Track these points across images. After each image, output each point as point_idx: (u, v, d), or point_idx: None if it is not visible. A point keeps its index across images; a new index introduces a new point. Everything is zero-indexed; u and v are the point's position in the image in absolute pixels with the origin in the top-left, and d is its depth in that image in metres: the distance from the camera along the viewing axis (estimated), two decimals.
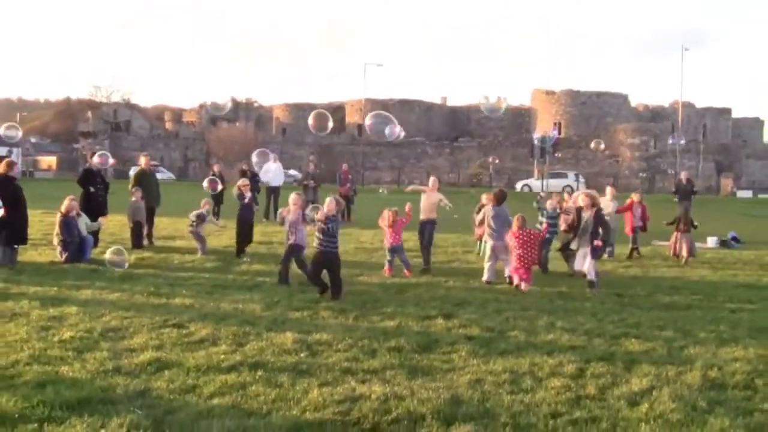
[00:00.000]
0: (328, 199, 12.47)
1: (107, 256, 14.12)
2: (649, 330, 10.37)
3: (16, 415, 6.40)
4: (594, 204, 14.23)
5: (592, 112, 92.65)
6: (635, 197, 19.68)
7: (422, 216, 15.71)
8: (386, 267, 14.97)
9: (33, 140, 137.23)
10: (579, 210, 14.46)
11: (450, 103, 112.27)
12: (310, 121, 17.21)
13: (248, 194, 16.94)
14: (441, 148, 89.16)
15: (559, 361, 8.51)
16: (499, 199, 14.75)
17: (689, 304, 12.58)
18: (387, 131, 16.02)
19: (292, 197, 13.61)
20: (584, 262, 13.95)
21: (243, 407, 6.76)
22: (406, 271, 14.87)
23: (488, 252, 14.79)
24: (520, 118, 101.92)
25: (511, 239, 13.91)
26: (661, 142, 77.86)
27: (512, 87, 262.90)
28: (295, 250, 13.43)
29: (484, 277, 14.20)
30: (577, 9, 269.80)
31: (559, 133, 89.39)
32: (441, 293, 12.91)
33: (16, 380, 7.42)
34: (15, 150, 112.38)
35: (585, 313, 11.49)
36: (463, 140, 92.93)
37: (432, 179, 16.41)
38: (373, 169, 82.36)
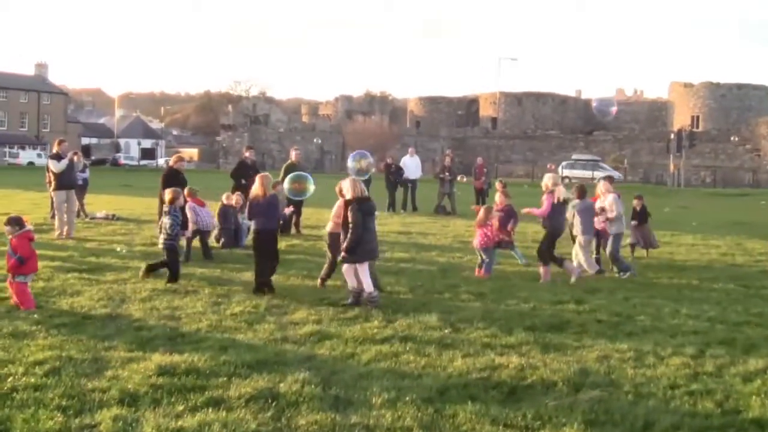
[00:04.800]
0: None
1: None
2: None
3: (208, 371, 7.60)
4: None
5: (732, 104, 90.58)
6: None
7: None
8: (477, 269, 14.32)
9: (175, 132, 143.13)
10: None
11: (584, 96, 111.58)
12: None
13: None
14: (575, 141, 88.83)
15: (681, 342, 9.22)
16: (582, 194, 14.31)
17: None
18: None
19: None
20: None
21: (397, 371, 7.79)
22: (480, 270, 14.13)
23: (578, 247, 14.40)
24: (657, 112, 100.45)
25: None
26: None
27: (649, 80, 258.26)
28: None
29: (592, 271, 14.21)
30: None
31: (697, 127, 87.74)
32: (574, 281, 13.60)
33: (201, 344, 8.68)
34: (160, 142, 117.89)
35: (710, 302, 12.04)
36: (598, 133, 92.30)
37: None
38: (506, 162, 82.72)
